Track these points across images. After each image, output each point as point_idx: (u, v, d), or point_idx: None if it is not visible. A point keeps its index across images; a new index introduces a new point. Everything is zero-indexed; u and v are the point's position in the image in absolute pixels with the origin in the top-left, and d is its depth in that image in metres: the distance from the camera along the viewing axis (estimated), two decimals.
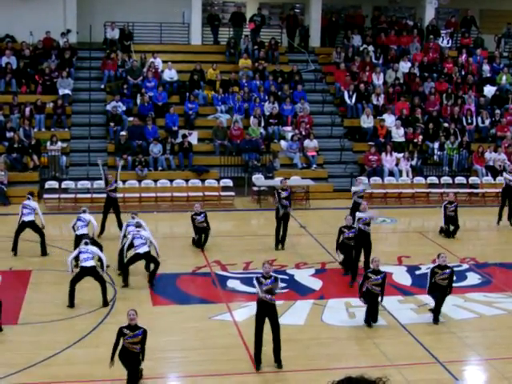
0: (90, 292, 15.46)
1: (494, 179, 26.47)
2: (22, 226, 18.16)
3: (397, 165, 26.47)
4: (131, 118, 26.63)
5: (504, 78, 30.72)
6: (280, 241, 19.09)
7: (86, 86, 28.39)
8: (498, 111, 29.03)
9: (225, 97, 28.08)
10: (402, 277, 17.23)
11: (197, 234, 18.91)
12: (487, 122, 28.73)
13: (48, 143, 24.97)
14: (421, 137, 27.53)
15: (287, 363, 12.35)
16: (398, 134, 27.49)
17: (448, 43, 32.33)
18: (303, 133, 26.97)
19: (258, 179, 24.90)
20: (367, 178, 25.54)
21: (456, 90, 29.68)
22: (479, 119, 28.76)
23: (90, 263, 14.90)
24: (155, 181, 24.65)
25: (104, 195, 20.58)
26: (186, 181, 24.82)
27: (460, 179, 26.11)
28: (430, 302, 15.42)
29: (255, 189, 24.89)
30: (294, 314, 14.64)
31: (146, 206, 23.43)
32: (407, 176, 26.25)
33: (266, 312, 12.20)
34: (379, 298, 14.09)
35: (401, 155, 26.64)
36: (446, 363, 12.67)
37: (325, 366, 12.51)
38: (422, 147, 27.53)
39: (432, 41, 31.58)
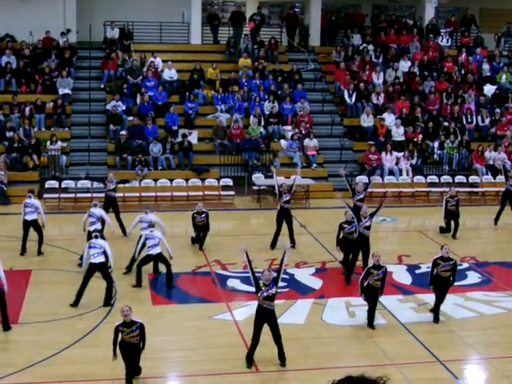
0: (90, 292, 15.46)
1: (494, 178, 26.48)
2: (26, 225, 18.07)
3: (397, 164, 26.47)
4: (131, 118, 26.63)
5: (504, 76, 30.72)
6: (290, 238, 19.00)
7: (85, 85, 28.39)
8: (497, 110, 29.03)
9: (225, 96, 28.07)
10: (402, 276, 17.23)
11: (196, 231, 18.89)
12: (487, 120, 28.73)
13: (48, 143, 24.97)
14: (421, 136, 27.53)
15: (287, 362, 12.35)
16: (398, 133, 27.49)
17: (448, 42, 32.33)
18: (303, 132, 26.97)
19: (258, 178, 24.91)
20: (367, 178, 25.56)
21: (456, 89, 29.68)
22: (479, 118, 28.76)
23: (99, 259, 14.87)
24: (155, 180, 24.66)
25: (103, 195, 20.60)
26: (186, 180, 24.82)
27: (460, 178, 26.11)
28: (430, 301, 15.43)
29: (255, 188, 24.89)
30: (294, 314, 14.65)
31: (146, 205, 23.36)
32: (407, 175, 26.25)
33: (265, 318, 12.16)
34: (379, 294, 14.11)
35: (401, 154, 26.64)
36: (446, 362, 12.67)
37: (325, 365, 12.51)
38: (422, 146, 27.53)
39: (432, 40, 31.57)
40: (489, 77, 30.99)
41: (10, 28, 29.45)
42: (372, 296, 13.96)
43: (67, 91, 27.47)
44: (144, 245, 16.17)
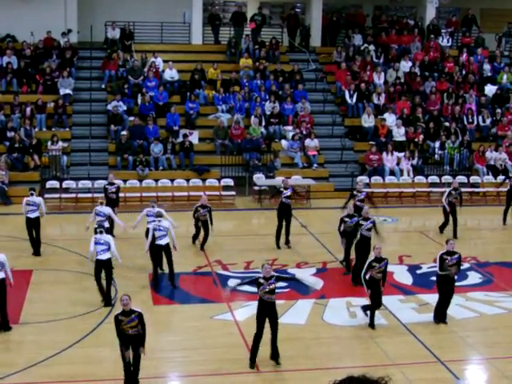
0: (90, 292, 15.48)
1: (495, 178, 26.48)
2: (30, 223, 18.08)
3: (398, 164, 26.47)
4: (132, 118, 26.63)
5: (505, 77, 30.71)
6: (285, 237, 19.02)
7: (86, 85, 28.40)
8: (498, 110, 29.03)
9: (226, 96, 28.08)
10: (402, 276, 17.23)
11: (196, 227, 18.79)
12: (488, 121, 28.72)
13: (49, 143, 24.97)
14: (422, 136, 27.52)
15: (288, 362, 12.35)
16: (399, 134, 27.48)
17: (449, 42, 32.32)
18: (304, 132, 26.97)
19: (259, 179, 24.90)
20: (368, 178, 25.60)
21: (457, 90, 29.67)
22: (480, 118, 28.75)
23: (106, 256, 14.94)
24: (156, 180, 24.66)
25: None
26: (187, 180, 24.83)
27: (461, 178, 26.03)
28: (431, 301, 15.44)
29: (256, 188, 24.88)
30: (295, 314, 14.64)
31: (146, 205, 23.35)
32: (408, 175, 26.25)
33: (267, 312, 12.18)
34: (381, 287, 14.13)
35: (402, 154, 26.64)
36: (447, 362, 12.67)
37: (326, 365, 12.51)
38: (423, 146, 27.53)
39: (433, 40, 31.56)
40: (490, 77, 30.98)
41: (11, 28, 29.46)
42: (375, 287, 13.88)
43: (68, 91, 27.47)
44: (154, 237, 16.10)
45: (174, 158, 25.61)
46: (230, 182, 24.92)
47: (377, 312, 14.11)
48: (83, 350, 12.93)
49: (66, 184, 24.06)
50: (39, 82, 27.73)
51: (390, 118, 27.90)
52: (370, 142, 27.16)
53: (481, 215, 24.25)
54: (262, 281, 12.14)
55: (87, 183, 24.02)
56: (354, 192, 19.50)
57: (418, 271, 17.67)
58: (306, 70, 30.41)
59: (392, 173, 26.23)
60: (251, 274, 17.05)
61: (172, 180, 24.70)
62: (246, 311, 14.59)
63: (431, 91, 29.12)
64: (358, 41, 31.43)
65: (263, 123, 27.21)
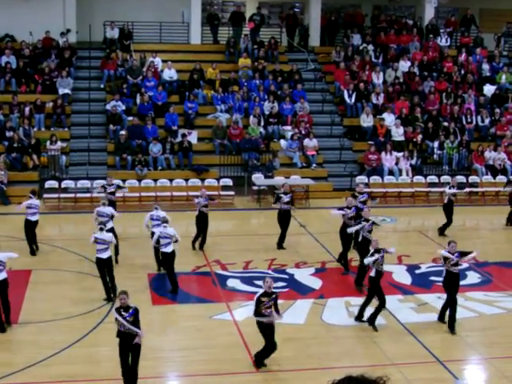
0: (89, 292, 15.49)
1: (494, 178, 26.49)
2: (30, 226, 18.11)
3: (396, 164, 26.47)
4: (131, 118, 26.63)
5: (504, 77, 30.72)
6: (279, 240, 19.04)
7: (85, 85, 28.38)
8: (497, 110, 29.03)
9: (224, 96, 28.08)
10: (401, 276, 17.24)
11: (197, 224, 18.73)
12: (487, 121, 28.74)
13: (48, 143, 24.96)
14: (420, 136, 27.53)
15: (287, 362, 12.35)
16: (398, 133, 27.49)
17: (447, 42, 32.32)
18: (303, 132, 26.97)
19: (258, 178, 24.91)
20: (367, 178, 25.61)
21: (456, 89, 29.68)
22: (479, 118, 28.76)
23: (107, 254, 15.02)
24: (155, 180, 24.66)
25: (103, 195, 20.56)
26: (186, 180, 24.83)
27: (460, 178, 26.03)
28: (430, 300, 15.47)
29: (255, 188, 24.89)
30: (294, 314, 14.64)
31: (145, 205, 23.39)
32: (407, 175, 26.26)
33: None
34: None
35: (400, 154, 26.64)
36: (445, 362, 12.68)
37: (325, 365, 12.52)
38: (422, 146, 27.53)
39: (432, 40, 31.57)
40: (488, 77, 30.99)
41: (10, 28, 29.46)
42: (378, 288, 13.85)
43: (67, 91, 27.47)
44: (158, 242, 16.09)
45: (173, 158, 25.60)
46: (228, 181, 24.92)
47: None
48: (82, 349, 12.93)
49: (64, 184, 24.05)
50: (38, 81, 27.72)
51: (389, 118, 27.91)
52: (369, 142, 27.17)
53: (479, 215, 24.27)
54: (262, 299, 12.01)
55: (86, 183, 24.02)
56: (355, 193, 19.45)
57: (417, 271, 17.67)
58: (305, 69, 30.41)
59: (391, 172, 26.24)
60: (250, 273, 17.11)
61: (171, 180, 24.69)
62: (245, 311, 14.57)
63: (430, 91, 29.13)
64: (357, 40, 31.43)
65: (262, 123, 27.21)
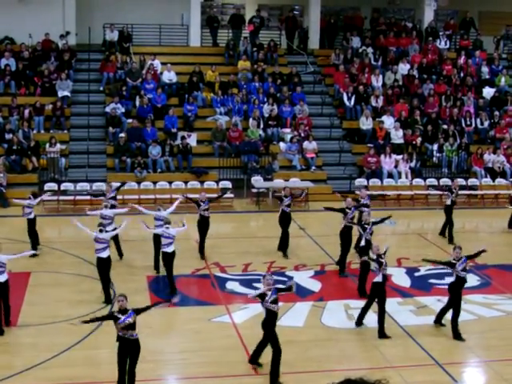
0: (89, 294, 15.49)
1: (493, 181, 26.50)
2: (32, 224, 18.22)
3: (396, 167, 26.48)
4: (130, 120, 26.64)
5: (503, 79, 30.74)
6: (280, 244, 19.00)
7: (85, 87, 28.39)
8: (496, 113, 29.06)
9: (224, 99, 28.09)
10: (401, 278, 17.23)
11: (199, 229, 18.67)
12: (486, 123, 28.76)
13: (47, 145, 24.97)
14: (420, 139, 27.54)
15: (286, 365, 12.32)
16: (397, 136, 27.50)
17: (447, 45, 32.33)
18: (302, 135, 26.98)
19: (257, 181, 24.91)
20: (366, 180, 25.62)
21: (455, 92, 29.70)
22: (478, 121, 28.78)
23: (106, 253, 15.12)
24: (154, 183, 24.65)
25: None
26: (185, 183, 24.82)
27: (459, 181, 26.04)
28: (429, 303, 15.47)
29: (254, 191, 24.90)
30: (293, 316, 14.64)
31: (144, 207, 23.34)
32: (406, 178, 26.27)
33: (275, 321, 12.03)
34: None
35: (400, 157, 26.65)
36: (445, 365, 12.68)
37: (324, 367, 12.51)
38: (421, 149, 27.55)
39: (431, 43, 31.60)
40: (488, 80, 31.01)
41: (10, 30, 29.45)
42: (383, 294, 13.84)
43: (66, 93, 27.47)
44: (160, 243, 16.09)
45: (172, 161, 25.61)
46: (228, 184, 24.92)
47: (374, 314, 14.09)
48: (82, 352, 12.92)
49: (64, 186, 24.04)
50: (37, 84, 27.72)
51: (388, 121, 27.93)
52: (368, 145, 27.19)
53: (479, 218, 24.27)
54: (265, 293, 11.92)
55: (85, 185, 24.00)
56: (358, 199, 19.33)
57: (416, 274, 17.67)
58: (304, 72, 30.42)
59: (390, 175, 26.24)
60: (250, 276, 17.11)
61: (170, 182, 24.68)
62: (244, 314, 14.60)
63: (429, 94, 29.15)
64: (356, 43, 31.44)
65: (261, 125, 27.22)
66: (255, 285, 16.26)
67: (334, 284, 16.93)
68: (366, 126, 27.76)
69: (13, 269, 16.29)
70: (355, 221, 17.73)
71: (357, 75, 29.66)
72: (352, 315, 14.78)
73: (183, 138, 25.97)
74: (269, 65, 30.16)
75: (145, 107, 27.00)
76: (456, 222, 20.76)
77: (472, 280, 17.25)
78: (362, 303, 14.63)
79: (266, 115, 27.59)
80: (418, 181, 26.17)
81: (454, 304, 13.97)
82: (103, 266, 15.19)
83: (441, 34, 32.46)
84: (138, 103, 27.37)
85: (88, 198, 23.32)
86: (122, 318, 11.04)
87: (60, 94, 27.30)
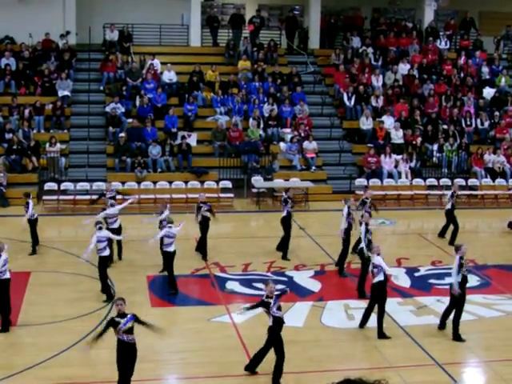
0: (88, 293, 15.49)
1: (493, 181, 26.51)
2: (34, 222, 18.33)
3: (396, 167, 26.48)
4: (130, 120, 26.64)
5: (503, 79, 30.74)
6: (280, 245, 18.97)
7: (85, 87, 28.39)
8: (497, 113, 29.06)
9: (224, 98, 28.08)
10: (401, 279, 17.22)
11: (201, 229, 18.65)
12: (486, 123, 28.76)
13: (47, 145, 24.98)
14: (420, 139, 27.54)
15: (286, 365, 12.31)
16: (397, 136, 27.50)
17: (447, 45, 32.34)
18: (302, 134, 26.98)
19: (257, 181, 24.91)
20: (366, 180, 25.63)
21: (455, 92, 29.70)
22: (478, 121, 28.78)
23: (107, 252, 15.29)
24: (154, 182, 24.65)
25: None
26: (185, 182, 24.82)
27: (459, 181, 26.09)
28: (429, 304, 15.47)
29: (254, 190, 24.89)
30: (293, 316, 14.61)
31: (144, 207, 23.39)
32: (406, 178, 26.27)
33: (281, 328, 11.98)
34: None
35: (400, 157, 26.65)
36: (444, 365, 12.67)
37: (324, 367, 12.51)
38: (421, 149, 27.54)
39: (431, 43, 31.60)
40: (488, 80, 31.01)
41: (10, 30, 29.46)
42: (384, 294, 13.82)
43: (66, 93, 27.47)
44: (162, 242, 16.11)
45: (172, 160, 25.61)
46: (228, 184, 24.92)
47: (373, 314, 14.08)
48: (82, 351, 12.90)
49: (64, 186, 24.05)
50: (37, 83, 27.72)
51: (388, 121, 27.93)
52: (368, 145, 27.19)
53: (479, 218, 24.27)
54: (268, 301, 11.89)
55: (85, 185, 24.00)
56: (364, 199, 19.23)
57: (416, 274, 17.67)
58: (305, 72, 30.43)
59: (390, 175, 26.24)
60: (250, 276, 17.11)
61: (170, 182, 24.69)
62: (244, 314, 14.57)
63: (429, 94, 29.15)
64: (357, 43, 31.44)
65: (261, 125, 27.22)
66: (255, 285, 16.31)
67: (333, 284, 16.93)
68: (366, 126, 27.76)
69: (13, 268, 16.31)
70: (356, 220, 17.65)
71: (357, 75, 29.67)
72: (352, 315, 14.79)
73: (183, 137, 25.96)
74: (269, 65, 30.16)
75: (145, 107, 27.00)
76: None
77: (472, 280, 17.22)
78: (361, 303, 14.64)
79: (266, 115, 27.59)
80: (417, 181, 26.17)
81: (457, 304, 13.95)
82: (104, 264, 15.27)
83: (441, 34, 32.47)
84: (138, 103, 27.38)
85: (88, 197, 23.31)
86: (123, 322, 11.03)
87: (60, 93, 27.30)
